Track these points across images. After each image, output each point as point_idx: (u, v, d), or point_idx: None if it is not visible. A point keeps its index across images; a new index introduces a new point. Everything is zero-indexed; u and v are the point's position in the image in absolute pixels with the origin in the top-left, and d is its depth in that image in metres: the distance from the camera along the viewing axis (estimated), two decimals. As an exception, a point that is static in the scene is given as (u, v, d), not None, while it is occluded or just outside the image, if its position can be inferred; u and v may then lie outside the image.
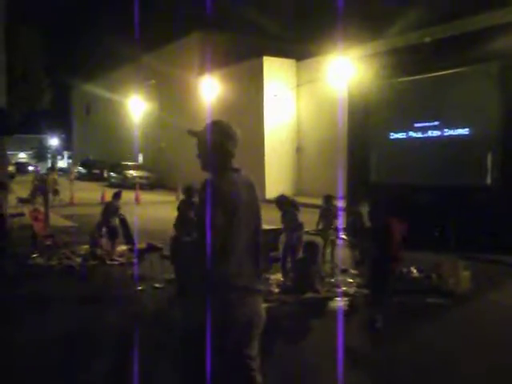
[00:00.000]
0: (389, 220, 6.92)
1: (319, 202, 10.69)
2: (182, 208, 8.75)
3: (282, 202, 8.44)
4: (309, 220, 9.56)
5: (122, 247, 10.98)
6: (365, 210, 10.48)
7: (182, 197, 9.48)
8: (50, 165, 50.80)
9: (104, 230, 10.66)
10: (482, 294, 7.79)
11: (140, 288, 8.10)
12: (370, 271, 7.11)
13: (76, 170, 40.06)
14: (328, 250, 9.99)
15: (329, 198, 10.22)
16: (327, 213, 10.07)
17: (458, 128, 11.21)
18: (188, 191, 8.87)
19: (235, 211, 3.03)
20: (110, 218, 10.67)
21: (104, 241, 10.70)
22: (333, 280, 8.42)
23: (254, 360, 3.17)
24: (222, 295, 2.93)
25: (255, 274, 3.10)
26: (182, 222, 8.64)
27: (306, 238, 8.58)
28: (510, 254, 9.62)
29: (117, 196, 10.98)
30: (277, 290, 7.84)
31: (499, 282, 8.68)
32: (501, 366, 5.19)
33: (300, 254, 8.05)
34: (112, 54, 42.18)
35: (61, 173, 41.55)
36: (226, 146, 3.28)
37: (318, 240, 9.16)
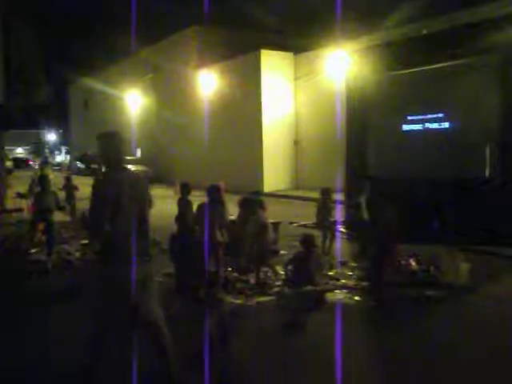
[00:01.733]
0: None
1: (317, 195, 10.70)
2: (179, 205, 8.75)
3: (248, 202, 8.43)
4: (307, 214, 9.57)
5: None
6: (363, 203, 10.53)
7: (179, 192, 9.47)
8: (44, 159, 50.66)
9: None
10: (481, 287, 7.81)
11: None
12: (372, 261, 7.22)
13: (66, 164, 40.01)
14: (326, 243, 10.01)
15: (326, 191, 10.23)
16: (324, 206, 10.09)
17: (456, 121, 11.20)
18: (183, 188, 8.86)
19: (117, 202, 4.12)
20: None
21: None
22: (331, 273, 8.45)
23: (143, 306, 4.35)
24: (119, 265, 4.15)
25: (143, 249, 4.24)
26: (180, 218, 8.64)
27: (304, 230, 8.59)
28: (509, 246, 9.64)
29: None
30: (276, 283, 7.87)
31: (498, 274, 8.70)
32: (500, 357, 5.21)
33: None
34: (110, 48, 42.12)
35: (57, 167, 41.44)
36: (113, 151, 4.38)
37: (316, 233, 9.15)
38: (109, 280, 4.20)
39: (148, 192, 4.56)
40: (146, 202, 4.46)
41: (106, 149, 4.40)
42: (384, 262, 7.68)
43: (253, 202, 8.57)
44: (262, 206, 8.52)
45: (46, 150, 71.96)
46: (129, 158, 35.37)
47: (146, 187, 4.55)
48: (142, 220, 4.34)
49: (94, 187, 4.22)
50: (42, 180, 10.30)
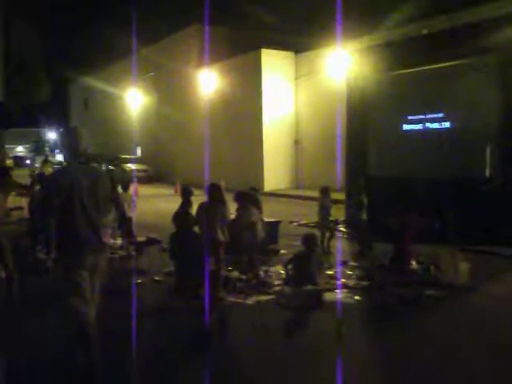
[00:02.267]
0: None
1: (317, 194, 10.72)
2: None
3: (242, 196, 8.40)
4: (307, 213, 9.58)
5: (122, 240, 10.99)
6: (364, 202, 10.56)
7: (179, 190, 9.50)
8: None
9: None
10: (481, 286, 7.82)
11: (139, 281, 8.12)
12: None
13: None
14: (325, 242, 10.03)
15: (325, 191, 10.24)
16: (324, 205, 10.10)
17: (456, 120, 11.21)
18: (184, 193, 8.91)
19: (69, 193, 4.42)
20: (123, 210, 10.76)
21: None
22: (331, 272, 8.46)
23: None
24: (69, 254, 4.53)
25: (94, 236, 4.57)
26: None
27: (304, 230, 8.58)
28: (509, 246, 9.65)
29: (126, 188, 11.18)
30: (276, 282, 7.87)
31: (497, 273, 8.71)
32: (500, 356, 5.22)
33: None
34: (110, 47, 42.03)
35: (58, 166, 41.31)
36: (71, 146, 4.68)
37: (316, 232, 9.15)
38: (62, 268, 4.58)
39: (109, 188, 4.84)
40: (101, 198, 4.66)
41: (64, 143, 4.74)
42: (399, 264, 7.79)
43: (247, 196, 8.53)
44: (256, 203, 8.48)
45: (46, 149, 71.86)
46: (129, 156, 35.41)
47: (105, 184, 4.77)
48: (97, 213, 4.60)
49: (48, 178, 4.66)
50: (42, 178, 10.30)
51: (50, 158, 44.50)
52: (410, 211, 8.44)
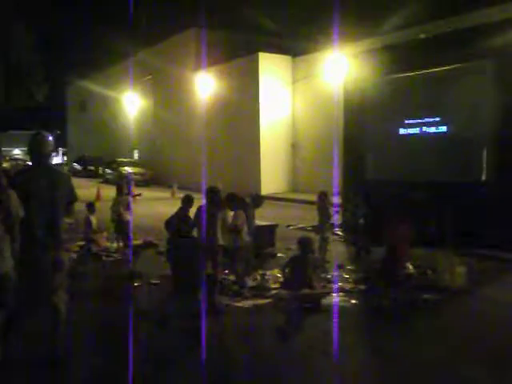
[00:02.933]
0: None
1: (314, 198, 10.70)
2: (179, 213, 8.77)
3: (232, 200, 8.34)
4: (304, 216, 9.57)
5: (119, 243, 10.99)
6: (360, 206, 10.56)
7: (176, 193, 9.49)
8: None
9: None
10: (477, 290, 7.83)
11: (136, 284, 8.11)
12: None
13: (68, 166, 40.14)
14: (322, 246, 10.00)
15: (323, 195, 10.23)
16: (321, 209, 10.09)
17: (453, 124, 11.23)
18: (185, 200, 8.92)
19: (29, 196, 4.71)
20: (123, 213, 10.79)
21: (96, 236, 10.83)
22: (329, 276, 8.45)
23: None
24: (29, 249, 4.71)
25: (52, 237, 4.88)
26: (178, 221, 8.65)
27: (301, 233, 8.56)
28: (505, 250, 9.67)
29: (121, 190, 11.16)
30: (273, 286, 7.87)
31: (494, 277, 8.73)
32: (497, 359, 5.22)
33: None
34: (108, 50, 42.01)
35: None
36: (34, 150, 5.00)
37: (314, 236, 9.14)
38: (21, 263, 4.66)
39: (70, 189, 5.17)
40: (59, 198, 4.97)
41: (29, 147, 5.06)
42: (390, 265, 7.78)
43: (238, 199, 8.46)
44: (243, 207, 8.40)
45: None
46: (126, 159, 35.41)
47: (65, 186, 5.11)
48: (55, 212, 4.93)
49: (12, 178, 4.83)
50: None
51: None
52: (400, 217, 8.40)
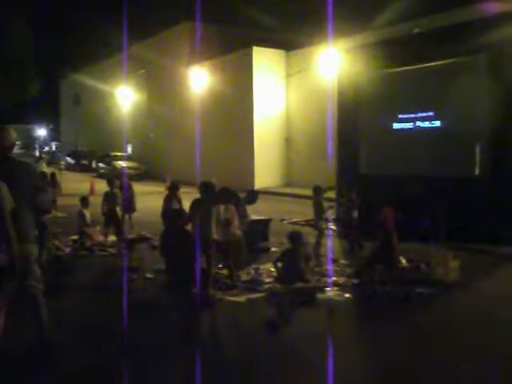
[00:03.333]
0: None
1: (308, 192, 10.70)
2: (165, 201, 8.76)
3: (225, 194, 8.30)
4: (298, 211, 9.56)
5: (113, 238, 10.97)
6: (354, 200, 10.56)
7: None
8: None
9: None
10: (471, 284, 7.85)
11: (130, 278, 8.09)
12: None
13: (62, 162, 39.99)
14: (318, 240, 10.01)
15: (317, 189, 10.22)
16: (315, 204, 10.08)
17: (446, 119, 11.26)
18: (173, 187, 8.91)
19: None
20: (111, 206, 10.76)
21: (91, 230, 10.82)
22: (322, 270, 8.46)
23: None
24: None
25: (22, 231, 4.82)
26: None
27: (296, 228, 8.55)
28: (498, 244, 9.72)
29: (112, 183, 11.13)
30: (267, 280, 7.87)
31: (487, 271, 8.77)
32: (489, 352, 5.25)
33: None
34: (101, 43, 41.84)
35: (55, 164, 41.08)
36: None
37: (308, 230, 9.14)
38: None
39: (35, 180, 5.25)
40: (25, 189, 4.99)
41: None
42: (380, 259, 7.78)
43: (230, 194, 8.43)
44: (235, 201, 8.37)
45: (36, 146, 71.32)
46: (119, 154, 35.29)
47: (30, 177, 5.14)
48: (22, 205, 4.91)
49: None
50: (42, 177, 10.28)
51: (43, 156, 44.27)
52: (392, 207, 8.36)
